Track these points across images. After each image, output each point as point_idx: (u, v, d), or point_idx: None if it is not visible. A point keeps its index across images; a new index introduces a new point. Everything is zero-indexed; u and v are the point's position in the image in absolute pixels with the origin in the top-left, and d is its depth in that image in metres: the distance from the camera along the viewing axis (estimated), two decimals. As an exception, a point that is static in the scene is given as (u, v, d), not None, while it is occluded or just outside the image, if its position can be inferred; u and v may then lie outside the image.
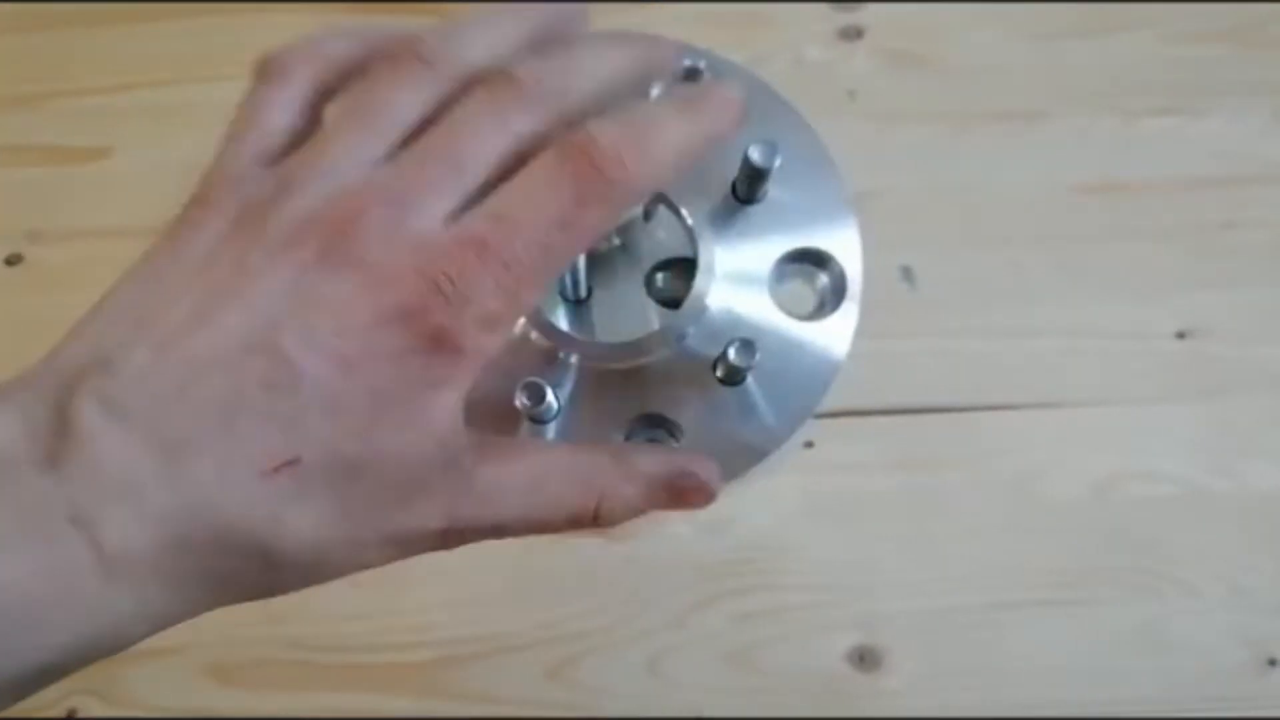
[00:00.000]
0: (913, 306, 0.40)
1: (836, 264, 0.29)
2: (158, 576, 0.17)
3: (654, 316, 0.33)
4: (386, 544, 0.19)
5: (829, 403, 0.29)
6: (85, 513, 0.16)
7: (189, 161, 0.19)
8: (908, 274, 0.41)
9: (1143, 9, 0.45)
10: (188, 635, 0.37)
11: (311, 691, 0.37)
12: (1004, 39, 0.45)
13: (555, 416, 0.26)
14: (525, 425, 0.25)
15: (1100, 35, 0.45)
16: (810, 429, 0.36)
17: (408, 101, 0.19)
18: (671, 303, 0.32)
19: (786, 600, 0.37)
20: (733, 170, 0.28)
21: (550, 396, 0.24)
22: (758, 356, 0.26)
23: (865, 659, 0.36)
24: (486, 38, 0.20)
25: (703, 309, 0.27)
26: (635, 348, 0.27)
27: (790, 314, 0.28)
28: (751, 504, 0.38)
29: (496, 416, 0.25)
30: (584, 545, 0.38)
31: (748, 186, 0.28)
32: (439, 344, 0.17)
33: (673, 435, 0.27)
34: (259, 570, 0.18)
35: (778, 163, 0.27)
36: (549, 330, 0.27)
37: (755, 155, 0.27)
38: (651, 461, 0.21)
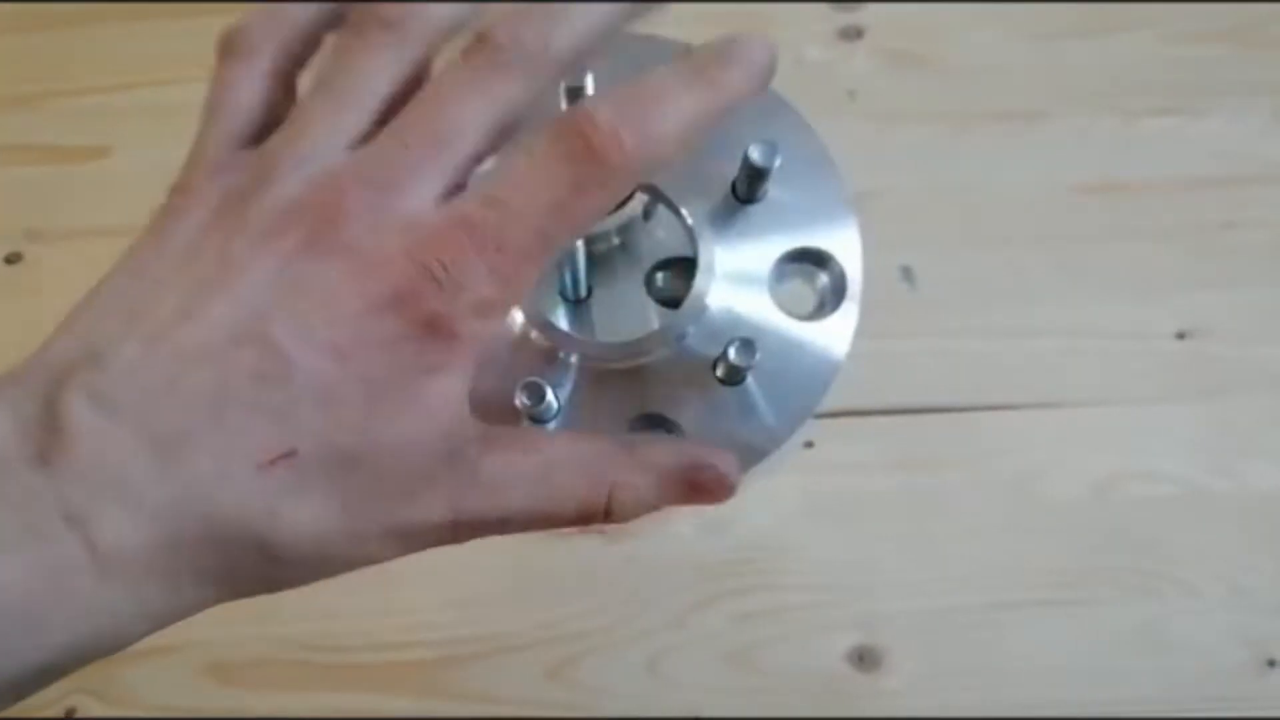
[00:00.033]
0: (913, 306, 0.40)
1: (836, 264, 0.29)
2: (155, 574, 0.17)
3: (654, 316, 0.33)
4: (389, 538, 0.18)
5: (829, 403, 0.29)
6: (79, 510, 0.16)
7: (188, 161, 0.19)
8: (908, 274, 0.41)
9: (1143, 9, 0.45)
10: (187, 634, 0.37)
11: (311, 691, 0.36)
12: (1004, 39, 0.45)
13: (555, 416, 0.26)
14: (525, 425, 0.25)
15: (1100, 35, 0.45)
16: (810, 429, 0.36)
17: (380, 70, 0.18)
18: (671, 302, 0.32)
19: (786, 600, 0.37)
20: (733, 170, 0.28)
21: (550, 396, 0.24)
22: (758, 356, 0.26)
23: (865, 659, 0.36)
24: None
25: (703, 309, 0.27)
26: (635, 347, 0.27)
27: (790, 314, 0.28)
28: (751, 504, 0.38)
29: (496, 416, 0.25)
30: (584, 545, 0.38)
31: (748, 186, 0.28)
32: (433, 330, 0.17)
33: (672, 435, 0.27)
34: (259, 565, 0.18)
35: (778, 162, 0.27)
36: (549, 330, 0.27)
37: (755, 155, 0.27)
38: (665, 453, 0.21)
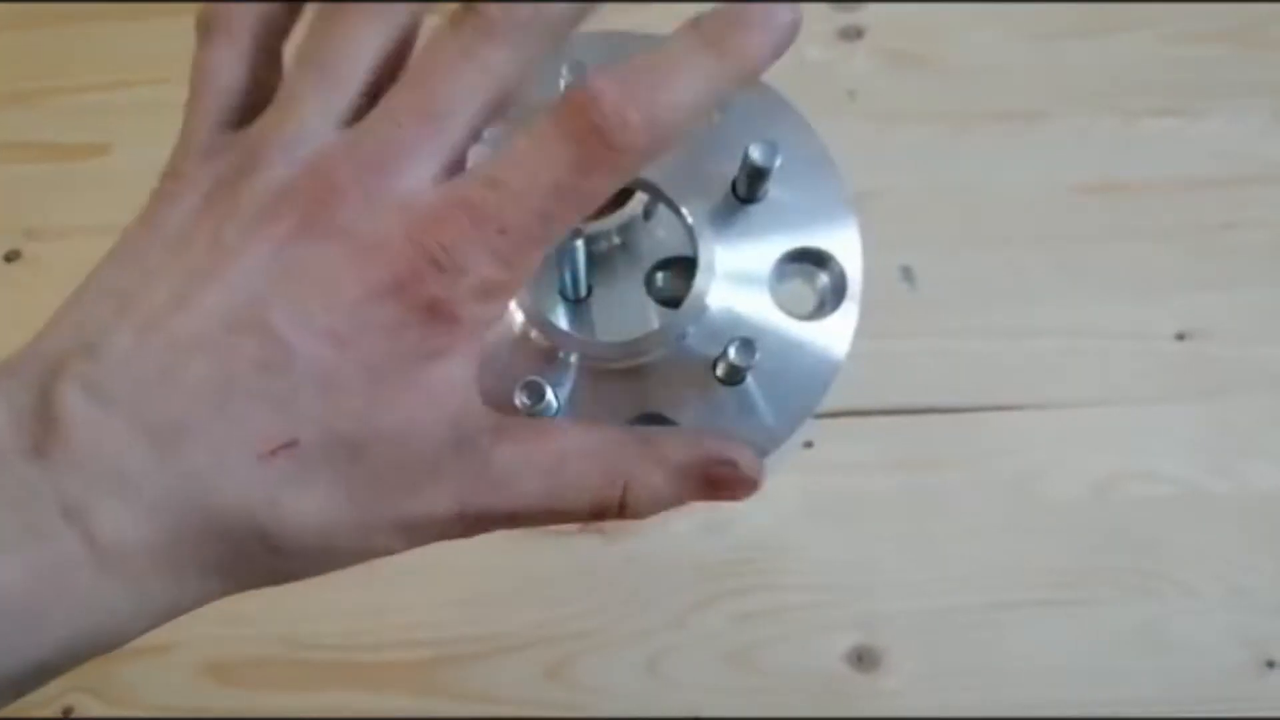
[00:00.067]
0: (913, 306, 0.40)
1: (837, 264, 0.29)
2: (156, 568, 0.16)
3: (654, 316, 0.32)
4: (396, 529, 0.18)
5: (829, 403, 0.29)
6: (76, 504, 0.16)
7: (187, 159, 0.19)
8: (908, 274, 0.41)
9: (1143, 9, 0.45)
10: (185, 633, 0.37)
11: (310, 690, 0.36)
12: (1004, 39, 0.45)
13: (554, 416, 0.26)
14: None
15: (1100, 35, 0.45)
16: (810, 429, 0.36)
17: (365, 40, 0.18)
18: (671, 302, 0.32)
19: (786, 600, 0.37)
20: (733, 169, 0.28)
21: (550, 395, 0.24)
22: (757, 356, 0.26)
23: (864, 659, 0.36)
24: None
25: (702, 308, 0.27)
26: (635, 347, 0.27)
27: (790, 314, 0.28)
28: (751, 504, 0.38)
29: (495, 415, 0.25)
30: (583, 544, 0.38)
31: (748, 186, 0.28)
32: (434, 314, 0.16)
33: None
34: (263, 557, 0.17)
35: (778, 162, 0.27)
36: (548, 329, 0.27)
37: (756, 154, 0.27)
38: (682, 448, 0.20)
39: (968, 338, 0.40)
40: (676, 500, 0.19)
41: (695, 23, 0.17)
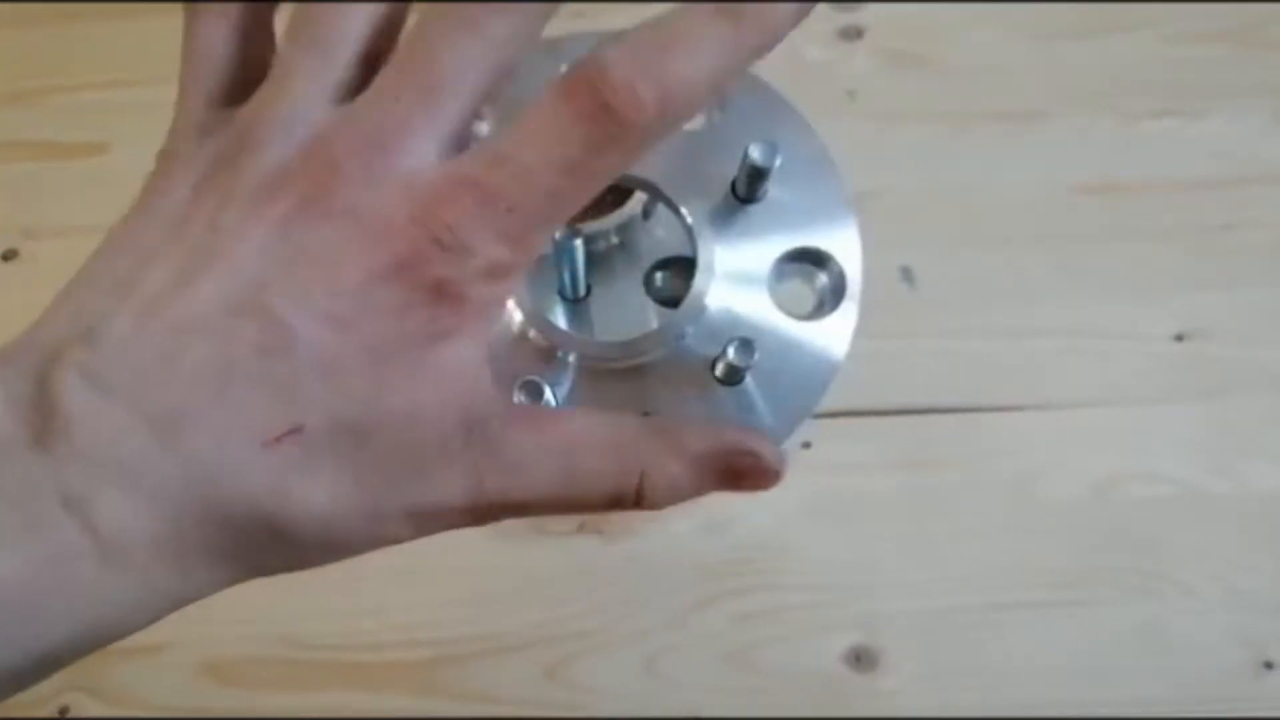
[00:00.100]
0: (912, 307, 0.40)
1: (836, 264, 0.29)
2: (160, 558, 0.16)
3: (653, 315, 0.32)
4: (407, 518, 0.17)
5: (828, 403, 0.29)
6: (77, 495, 0.15)
7: (186, 158, 0.19)
8: (907, 274, 0.41)
9: (1142, 9, 0.45)
10: (183, 632, 0.37)
11: (308, 690, 0.36)
12: (1004, 39, 0.45)
13: (554, 415, 0.26)
14: None
15: (1100, 35, 0.45)
16: (809, 429, 0.36)
17: (357, 12, 0.17)
18: (670, 302, 0.32)
19: (785, 600, 0.37)
20: (732, 169, 0.28)
21: (548, 395, 0.24)
22: (756, 356, 0.26)
23: (863, 659, 0.36)
24: None
25: (701, 308, 0.27)
26: (634, 347, 0.27)
27: (789, 314, 0.28)
28: (750, 504, 0.38)
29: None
30: (583, 544, 0.38)
31: (748, 185, 0.28)
32: (440, 295, 0.16)
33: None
34: (271, 547, 0.17)
35: (778, 162, 0.27)
36: (547, 328, 0.27)
37: (755, 154, 0.27)
38: (702, 438, 0.19)
39: (967, 338, 0.40)
40: (695, 491, 0.19)
41: None
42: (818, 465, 0.38)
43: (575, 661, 0.36)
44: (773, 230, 0.28)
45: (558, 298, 0.32)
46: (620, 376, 0.27)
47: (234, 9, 0.18)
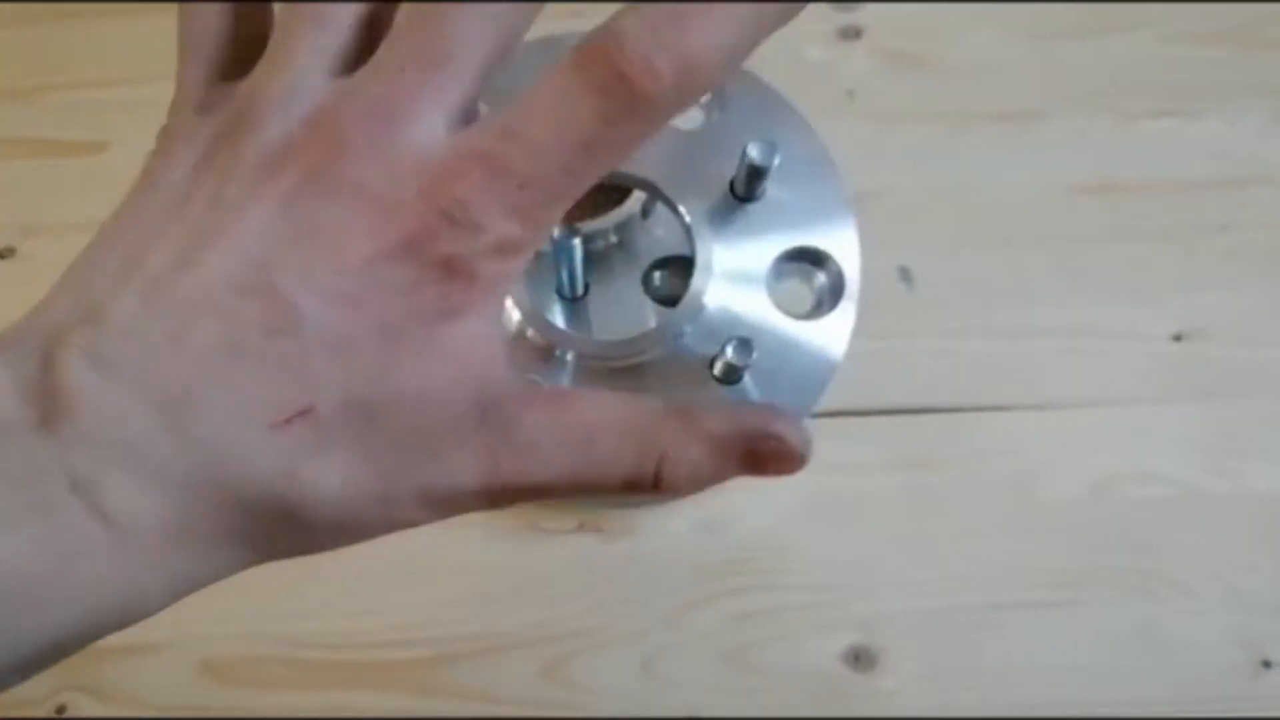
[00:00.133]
0: (911, 306, 0.40)
1: (834, 263, 0.29)
2: (172, 542, 0.16)
3: (651, 314, 0.33)
4: (421, 502, 0.17)
5: (826, 402, 0.29)
6: (85, 478, 0.15)
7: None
8: (905, 274, 0.41)
9: (1141, 9, 0.45)
10: (180, 631, 0.37)
11: (306, 689, 0.36)
12: (1002, 39, 0.45)
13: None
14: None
15: (1099, 36, 0.45)
16: (807, 429, 0.36)
17: None
18: (669, 301, 0.32)
19: (784, 600, 0.37)
20: (731, 168, 0.28)
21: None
22: (755, 355, 0.26)
23: (861, 658, 0.36)
24: None
25: (700, 307, 0.27)
26: (632, 345, 0.27)
27: (788, 313, 0.28)
28: (748, 503, 0.38)
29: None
30: (581, 543, 0.38)
31: (746, 184, 0.28)
32: (450, 272, 0.16)
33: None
34: (284, 531, 0.16)
35: (776, 161, 0.27)
36: (545, 327, 0.27)
37: (754, 153, 0.27)
38: (723, 420, 0.18)
39: (966, 338, 0.40)
40: (716, 476, 0.18)
41: None
42: (816, 465, 0.38)
43: (574, 661, 0.36)
44: (771, 229, 0.29)
45: (556, 296, 0.32)
46: (618, 375, 0.27)
47: None
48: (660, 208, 0.30)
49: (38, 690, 0.36)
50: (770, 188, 0.29)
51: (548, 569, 0.38)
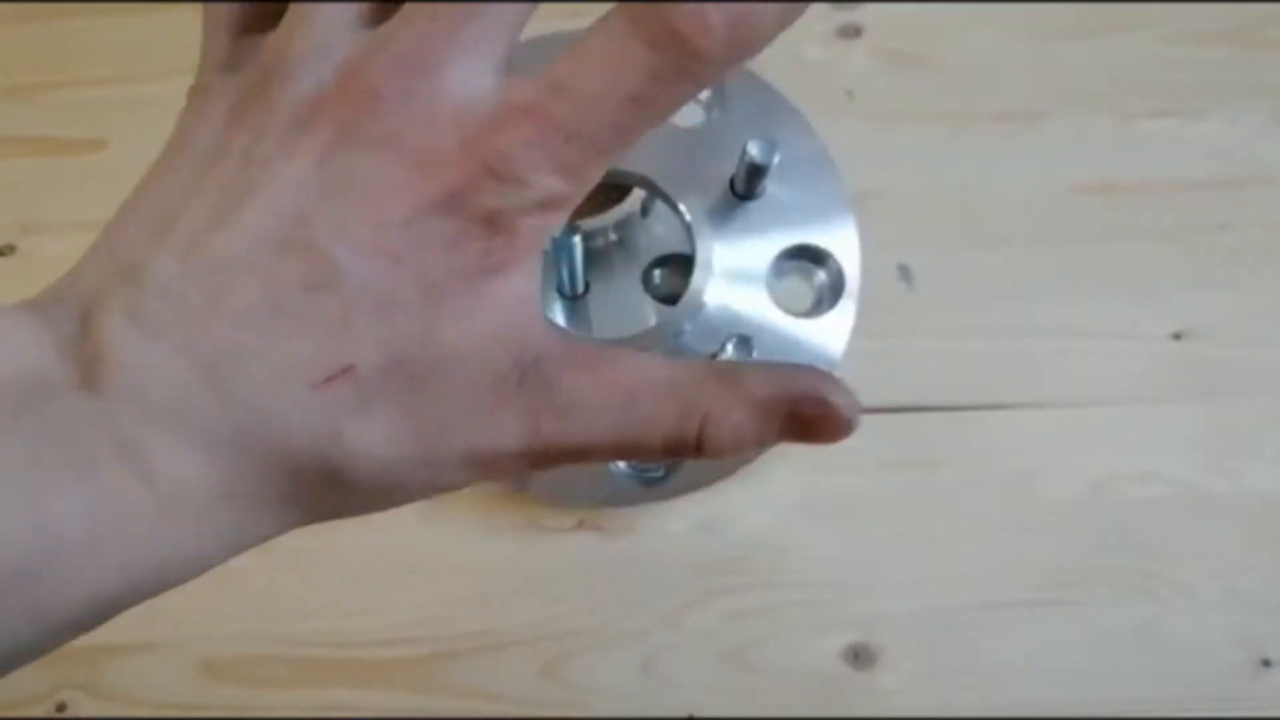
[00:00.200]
0: (910, 305, 0.40)
1: (834, 261, 0.29)
2: (215, 505, 0.15)
3: (651, 313, 0.33)
4: (464, 463, 0.17)
5: (826, 400, 0.29)
6: (130, 440, 0.15)
7: (184, 152, 0.18)
8: (905, 272, 0.41)
9: (1141, 9, 0.45)
10: (180, 630, 0.37)
11: (304, 688, 0.36)
12: (1002, 39, 0.45)
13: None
14: None
15: (1098, 36, 0.45)
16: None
17: None
18: (669, 299, 0.32)
19: (782, 599, 0.37)
20: (731, 167, 0.28)
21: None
22: (754, 353, 0.26)
23: (860, 657, 0.36)
24: None
25: (700, 305, 0.27)
26: (632, 344, 0.27)
27: (788, 311, 0.28)
28: (747, 502, 0.38)
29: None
30: (580, 542, 0.38)
31: (746, 183, 0.28)
32: (493, 227, 0.15)
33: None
34: (327, 491, 0.16)
35: (776, 160, 0.27)
36: (546, 326, 0.27)
37: (754, 152, 0.27)
38: (767, 382, 0.17)
39: (965, 337, 0.40)
40: (759, 440, 0.18)
41: None
42: (815, 463, 0.39)
43: (573, 660, 0.36)
44: (771, 228, 0.29)
45: (556, 294, 0.32)
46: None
47: None
48: (660, 206, 0.30)
49: (37, 688, 0.36)
50: (770, 186, 0.29)
51: (547, 568, 0.38)
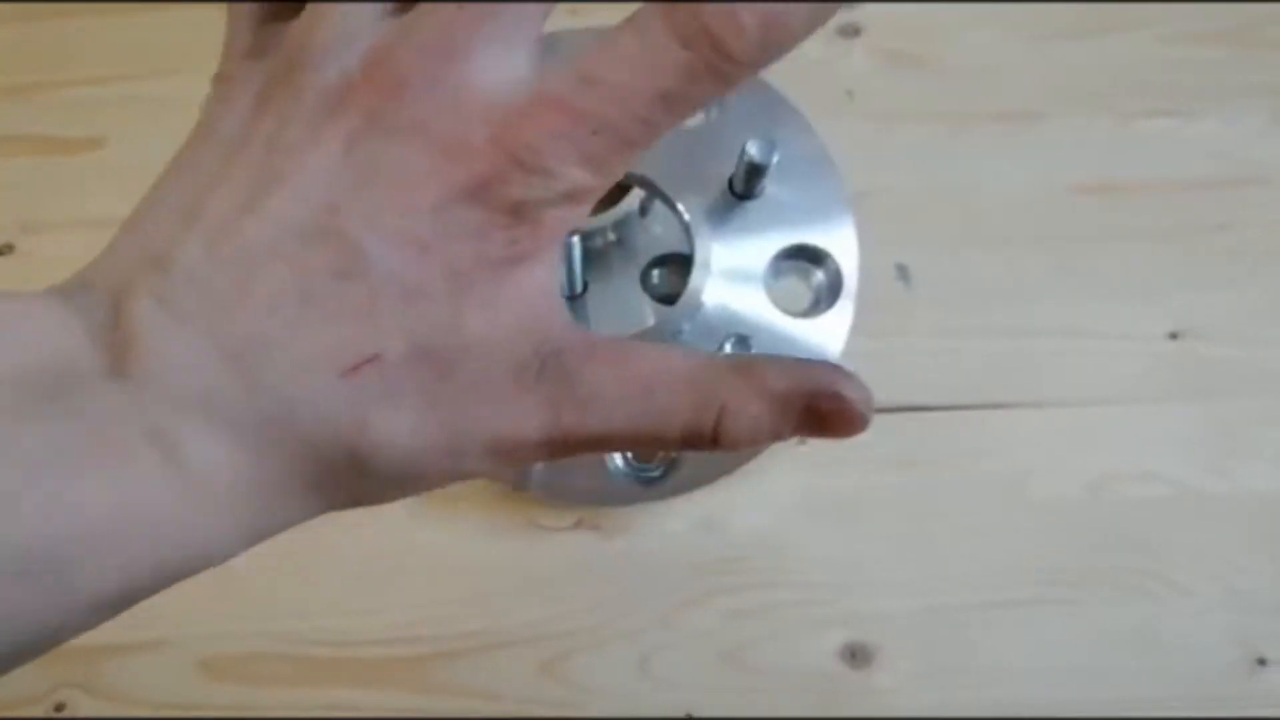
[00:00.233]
0: (908, 305, 0.40)
1: (833, 261, 0.29)
2: (244, 492, 0.16)
3: (649, 312, 0.33)
4: (486, 452, 0.17)
5: (825, 400, 0.29)
6: (160, 428, 0.15)
7: (183, 152, 0.18)
8: (903, 272, 0.41)
9: (1140, 9, 0.45)
10: (179, 629, 0.37)
11: (302, 687, 0.36)
12: (1001, 39, 0.45)
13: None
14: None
15: (1098, 36, 0.45)
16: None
17: None
18: (667, 298, 0.32)
19: (780, 598, 0.37)
20: (730, 166, 0.28)
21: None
22: (753, 353, 0.26)
23: (857, 656, 0.36)
24: None
25: (698, 305, 0.27)
26: (631, 343, 0.27)
27: (786, 311, 0.28)
28: (745, 501, 0.38)
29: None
30: (577, 541, 0.38)
31: (745, 182, 0.28)
32: (519, 218, 0.15)
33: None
34: (353, 480, 0.16)
35: (775, 159, 0.27)
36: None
37: (753, 151, 0.27)
38: (783, 376, 0.17)
39: (963, 336, 0.40)
40: (775, 433, 0.18)
41: None
42: (813, 463, 0.39)
43: (571, 659, 0.36)
44: (770, 227, 0.29)
45: (555, 295, 0.32)
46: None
47: None
48: (659, 205, 0.30)
49: (36, 688, 0.36)
50: (769, 186, 0.29)
51: (547, 568, 0.38)
